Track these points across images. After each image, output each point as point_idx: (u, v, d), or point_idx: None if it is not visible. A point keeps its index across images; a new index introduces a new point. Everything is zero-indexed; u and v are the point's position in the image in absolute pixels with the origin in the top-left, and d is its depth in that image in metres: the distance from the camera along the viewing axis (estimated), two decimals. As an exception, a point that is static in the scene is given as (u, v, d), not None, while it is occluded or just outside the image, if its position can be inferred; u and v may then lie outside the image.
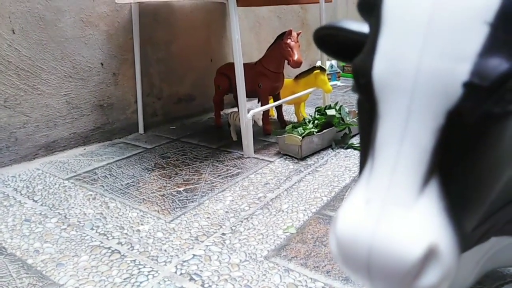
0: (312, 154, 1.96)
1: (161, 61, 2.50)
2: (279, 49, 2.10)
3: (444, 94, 0.36)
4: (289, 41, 2.07)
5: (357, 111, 0.45)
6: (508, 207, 0.57)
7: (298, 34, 2.11)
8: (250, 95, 2.16)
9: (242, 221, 1.38)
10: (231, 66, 1.99)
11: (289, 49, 2.06)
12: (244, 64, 1.94)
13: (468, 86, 0.36)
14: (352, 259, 0.39)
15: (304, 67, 2.40)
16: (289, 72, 2.47)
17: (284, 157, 1.94)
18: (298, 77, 2.34)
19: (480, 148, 0.38)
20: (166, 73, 2.55)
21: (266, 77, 2.19)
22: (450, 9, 0.37)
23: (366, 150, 0.43)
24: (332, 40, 0.53)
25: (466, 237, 0.41)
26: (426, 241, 0.36)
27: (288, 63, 2.08)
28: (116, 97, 2.30)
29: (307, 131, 1.94)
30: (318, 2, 2.39)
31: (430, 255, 0.36)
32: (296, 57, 2.04)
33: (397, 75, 0.38)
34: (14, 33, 1.87)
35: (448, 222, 0.37)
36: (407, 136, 0.38)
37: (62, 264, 1.17)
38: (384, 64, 0.40)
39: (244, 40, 2.93)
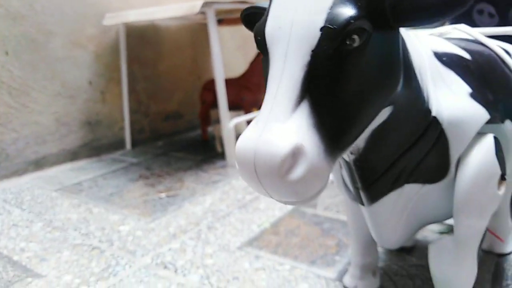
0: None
1: (148, 79, 2.61)
2: (261, 62, 2.21)
3: (309, 38, 0.50)
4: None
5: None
6: (411, 152, 0.65)
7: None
8: (234, 108, 2.26)
9: (219, 219, 1.44)
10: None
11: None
12: (228, 79, 2.04)
13: (324, 30, 0.50)
14: (244, 164, 0.49)
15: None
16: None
17: (265, 164, 2.01)
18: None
19: (337, 76, 0.51)
20: (153, 91, 2.66)
21: (249, 90, 2.30)
22: None
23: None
24: (255, 18, 0.64)
25: (337, 147, 0.50)
26: (293, 141, 0.47)
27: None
28: (104, 114, 2.40)
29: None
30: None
31: (297, 153, 0.47)
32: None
33: (279, 29, 0.52)
34: (7, 54, 1.99)
35: (315, 132, 0.48)
36: (284, 72, 0.51)
37: (45, 259, 1.23)
38: (271, 23, 0.54)
39: (232, 59, 3.06)
